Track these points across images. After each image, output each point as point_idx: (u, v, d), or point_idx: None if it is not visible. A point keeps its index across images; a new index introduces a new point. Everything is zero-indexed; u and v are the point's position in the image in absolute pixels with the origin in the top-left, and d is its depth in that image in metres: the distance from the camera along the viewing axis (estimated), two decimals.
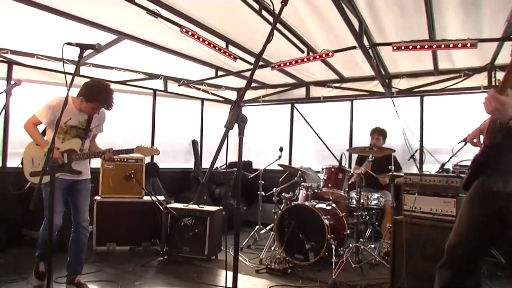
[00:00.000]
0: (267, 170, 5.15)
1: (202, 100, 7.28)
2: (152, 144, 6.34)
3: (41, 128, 3.20)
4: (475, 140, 1.89)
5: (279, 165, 5.08)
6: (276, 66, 5.09)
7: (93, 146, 3.39)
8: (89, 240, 4.44)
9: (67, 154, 3.12)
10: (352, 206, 4.55)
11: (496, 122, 1.72)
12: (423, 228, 2.89)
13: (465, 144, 2.03)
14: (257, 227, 5.10)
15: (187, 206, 4.43)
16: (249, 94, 7.24)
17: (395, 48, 4.14)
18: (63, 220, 3.67)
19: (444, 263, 1.95)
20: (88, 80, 3.23)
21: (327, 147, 6.50)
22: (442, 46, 4.01)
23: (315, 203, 4.21)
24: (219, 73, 5.92)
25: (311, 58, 4.67)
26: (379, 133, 5.00)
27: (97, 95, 3.04)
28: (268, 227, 4.99)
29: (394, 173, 4.08)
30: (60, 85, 5.12)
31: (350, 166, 5.64)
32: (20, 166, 3.20)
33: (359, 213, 4.15)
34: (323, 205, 4.24)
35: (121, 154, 3.32)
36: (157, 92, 6.45)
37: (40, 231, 3.24)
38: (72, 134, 3.15)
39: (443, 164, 4.21)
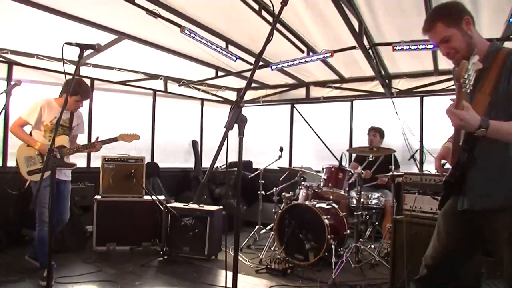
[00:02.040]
0: (267, 170, 5.15)
1: (202, 100, 7.28)
2: (152, 144, 6.36)
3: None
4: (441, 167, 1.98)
5: (279, 167, 5.08)
6: (276, 67, 5.10)
7: (74, 144, 3.66)
8: (89, 240, 4.48)
9: (58, 150, 3.40)
10: (352, 205, 4.55)
11: (458, 141, 1.77)
12: (423, 228, 2.89)
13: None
14: (257, 227, 5.10)
15: (187, 205, 4.43)
16: (249, 95, 7.24)
17: (395, 48, 4.15)
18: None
19: (421, 278, 1.96)
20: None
21: (327, 147, 6.50)
22: None
23: (315, 203, 4.21)
24: (219, 73, 5.92)
25: (311, 59, 4.67)
26: (375, 130, 5.05)
27: (78, 88, 3.37)
28: (268, 227, 5.00)
29: (395, 173, 4.08)
30: (60, 85, 5.06)
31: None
32: (16, 166, 3.39)
33: (359, 213, 4.15)
34: (323, 205, 4.24)
35: (106, 143, 3.57)
36: (157, 92, 6.46)
37: (36, 233, 3.31)
38: (58, 132, 3.37)
39: (443, 164, 4.21)
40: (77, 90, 3.37)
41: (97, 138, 3.54)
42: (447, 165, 1.95)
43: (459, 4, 1.83)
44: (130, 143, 3.76)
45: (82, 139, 3.93)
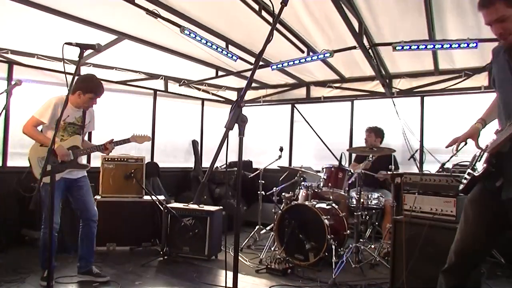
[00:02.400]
0: (267, 170, 5.15)
1: (203, 100, 7.28)
2: (152, 144, 6.35)
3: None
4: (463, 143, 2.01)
5: (278, 166, 5.08)
6: (276, 66, 5.10)
7: (85, 143, 3.54)
8: None
9: (72, 151, 3.29)
10: (352, 205, 4.55)
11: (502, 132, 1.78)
12: (423, 228, 2.89)
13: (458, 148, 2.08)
14: (257, 227, 5.10)
15: (187, 206, 4.43)
16: (250, 94, 7.24)
17: (395, 48, 4.14)
18: (63, 220, 3.66)
19: (450, 268, 1.96)
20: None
21: (327, 147, 6.50)
22: (442, 46, 4.02)
23: (315, 203, 4.21)
24: (220, 73, 5.92)
25: (311, 59, 4.67)
26: (370, 130, 5.03)
27: (92, 85, 3.27)
28: (268, 227, 5.00)
29: (394, 173, 4.07)
30: (60, 85, 5.12)
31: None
32: (29, 166, 3.25)
33: (359, 213, 4.15)
34: (323, 205, 4.24)
35: (118, 144, 3.47)
36: (157, 92, 6.46)
37: (41, 236, 3.22)
38: (70, 131, 3.31)
39: (443, 164, 4.21)
40: (90, 87, 3.24)
41: (112, 140, 3.43)
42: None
43: None
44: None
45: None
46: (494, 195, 1.82)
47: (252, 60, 5.05)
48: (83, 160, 3.48)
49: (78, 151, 3.32)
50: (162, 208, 4.39)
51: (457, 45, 3.93)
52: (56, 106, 3.16)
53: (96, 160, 5.16)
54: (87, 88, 3.24)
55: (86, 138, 3.69)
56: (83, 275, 3.38)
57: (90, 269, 3.39)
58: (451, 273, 1.97)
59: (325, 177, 4.58)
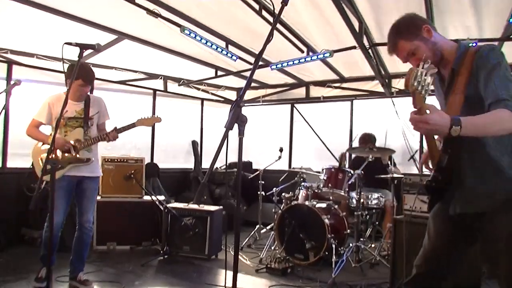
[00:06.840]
0: (267, 170, 5.15)
1: (202, 100, 7.27)
2: (152, 144, 6.35)
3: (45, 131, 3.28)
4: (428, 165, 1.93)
5: (281, 170, 5.07)
6: (276, 66, 5.09)
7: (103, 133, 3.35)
8: None
9: (73, 146, 3.17)
10: (352, 206, 4.55)
11: (434, 145, 1.74)
12: (423, 228, 2.88)
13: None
14: (257, 226, 5.10)
15: (187, 205, 4.43)
16: (249, 94, 7.24)
17: None
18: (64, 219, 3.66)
19: (413, 280, 1.92)
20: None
21: (327, 147, 6.50)
22: None
23: (315, 203, 4.22)
24: (219, 73, 5.92)
25: (311, 59, 4.67)
26: (365, 141, 4.97)
27: (78, 70, 2.99)
28: (268, 227, 5.00)
29: (394, 174, 4.07)
30: (60, 85, 5.09)
31: (350, 167, 5.63)
32: (31, 167, 3.26)
33: (359, 213, 4.15)
34: (323, 205, 4.25)
35: (123, 131, 3.28)
36: (157, 92, 6.46)
37: (44, 232, 3.23)
38: (73, 125, 3.21)
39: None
40: (78, 73, 3.01)
41: (115, 128, 3.26)
42: None
43: (413, 17, 1.86)
44: (130, 141, 3.69)
45: None
46: (445, 214, 1.78)
47: (252, 60, 5.04)
48: (93, 156, 3.28)
49: (78, 144, 3.18)
50: (162, 208, 4.39)
51: None
52: (50, 105, 3.17)
53: None
54: (74, 75, 3.15)
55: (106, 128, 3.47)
56: (72, 281, 3.30)
57: (76, 275, 3.28)
58: (415, 286, 1.91)
59: (325, 177, 4.57)
